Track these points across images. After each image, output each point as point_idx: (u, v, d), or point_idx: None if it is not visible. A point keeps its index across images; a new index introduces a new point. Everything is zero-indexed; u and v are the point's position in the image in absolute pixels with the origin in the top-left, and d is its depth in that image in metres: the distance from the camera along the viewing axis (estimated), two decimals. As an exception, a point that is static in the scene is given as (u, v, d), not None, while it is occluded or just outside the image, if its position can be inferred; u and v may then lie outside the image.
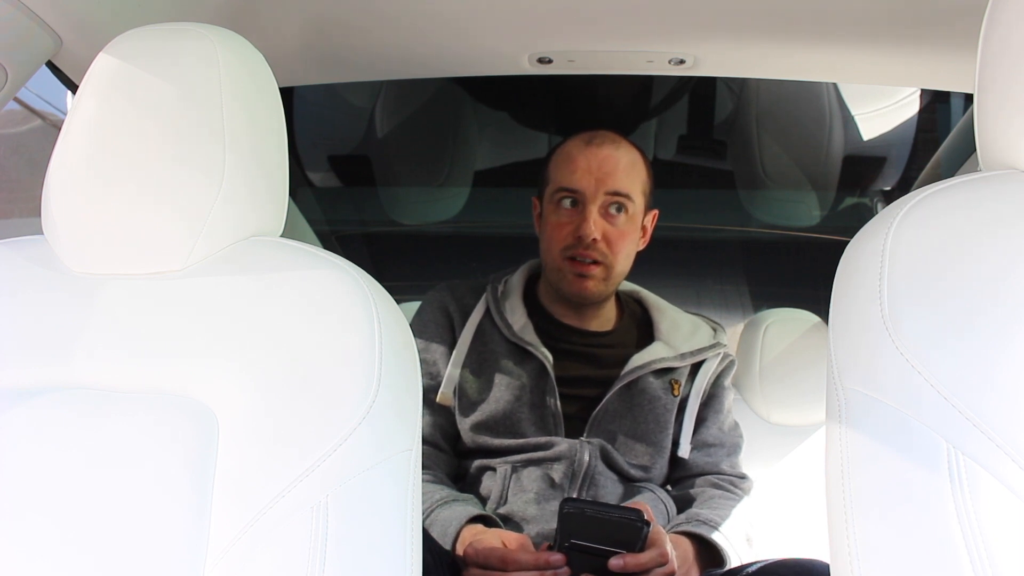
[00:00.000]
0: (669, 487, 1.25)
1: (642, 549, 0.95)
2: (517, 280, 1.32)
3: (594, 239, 1.17)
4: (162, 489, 0.60)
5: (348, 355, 0.62)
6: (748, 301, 2.69)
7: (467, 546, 1.02)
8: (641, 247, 1.27)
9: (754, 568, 0.99)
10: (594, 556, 0.95)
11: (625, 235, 1.21)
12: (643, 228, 1.26)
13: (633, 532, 0.93)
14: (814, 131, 2.23)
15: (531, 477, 1.15)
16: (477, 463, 1.19)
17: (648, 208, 1.26)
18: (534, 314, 1.27)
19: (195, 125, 0.68)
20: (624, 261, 1.23)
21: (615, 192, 1.18)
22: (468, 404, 1.21)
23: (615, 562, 0.93)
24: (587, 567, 0.96)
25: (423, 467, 1.14)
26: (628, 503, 1.13)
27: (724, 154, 2.38)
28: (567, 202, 1.20)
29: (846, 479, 0.56)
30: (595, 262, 1.20)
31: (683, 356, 1.26)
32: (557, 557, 0.95)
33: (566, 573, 0.96)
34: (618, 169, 1.19)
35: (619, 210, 1.20)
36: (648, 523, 0.93)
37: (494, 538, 1.02)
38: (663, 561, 0.96)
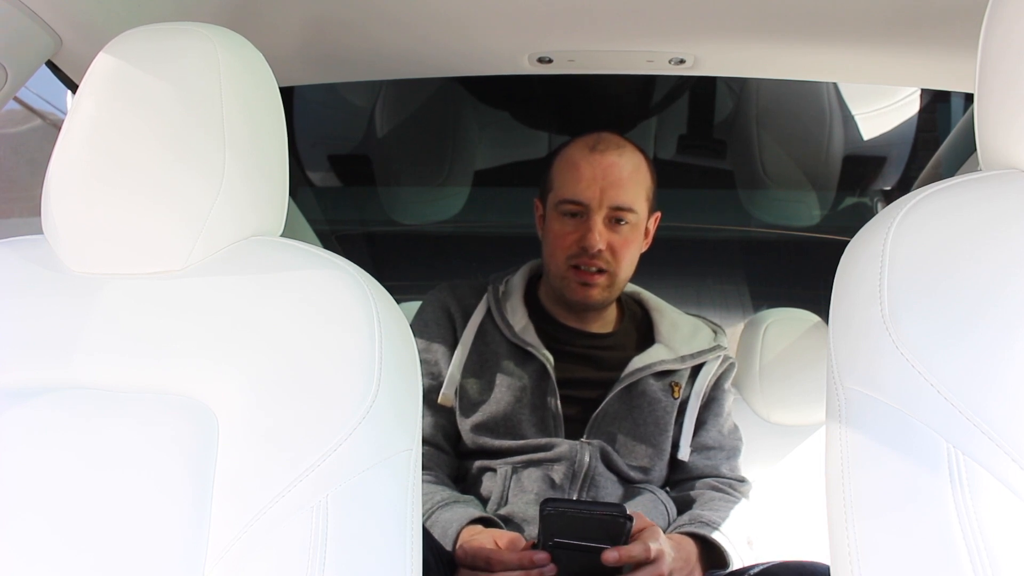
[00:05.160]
0: (668, 488, 1.25)
1: (626, 543, 0.95)
2: (518, 281, 1.32)
3: (599, 250, 1.17)
4: (161, 489, 0.60)
5: (348, 355, 0.62)
6: (748, 301, 2.69)
7: (458, 547, 1.02)
8: (644, 248, 1.27)
9: (756, 570, 0.98)
10: (579, 553, 0.95)
11: (629, 243, 1.21)
12: (646, 231, 1.26)
13: (616, 527, 0.93)
14: (814, 131, 2.24)
15: (531, 478, 1.15)
16: (478, 464, 1.19)
17: (651, 211, 1.26)
18: (535, 315, 1.27)
19: (195, 125, 0.68)
20: (628, 267, 1.23)
21: (619, 207, 1.18)
22: (469, 405, 1.21)
23: (609, 555, 0.93)
24: (573, 564, 0.96)
25: (424, 468, 1.14)
26: (627, 505, 1.13)
27: (724, 154, 2.38)
28: (571, 212, 1.20)
29: (846, 479, 0.55)
30: (600, 271, 1.20)
31: (683, 359, 1.25)
32: (541, 555, 0.95)
33: (552, 571, 0.96)
34: (622, 179, 1.18)
35: (623, 221, 1.19)
36: (631, 518, 0.93)
37: (487, 539, 1.02)
38: (646, 555, 0.96)
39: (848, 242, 0.63)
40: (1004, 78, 0.60)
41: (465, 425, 1.20)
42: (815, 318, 1.73)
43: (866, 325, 0.57)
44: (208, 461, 0.60)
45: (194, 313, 0.65)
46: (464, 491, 1.18)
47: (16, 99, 1.09)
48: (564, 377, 1.21)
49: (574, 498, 1.14)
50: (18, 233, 0.76)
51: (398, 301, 0.72)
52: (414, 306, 1.36)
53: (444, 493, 1.12)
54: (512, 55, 1.24)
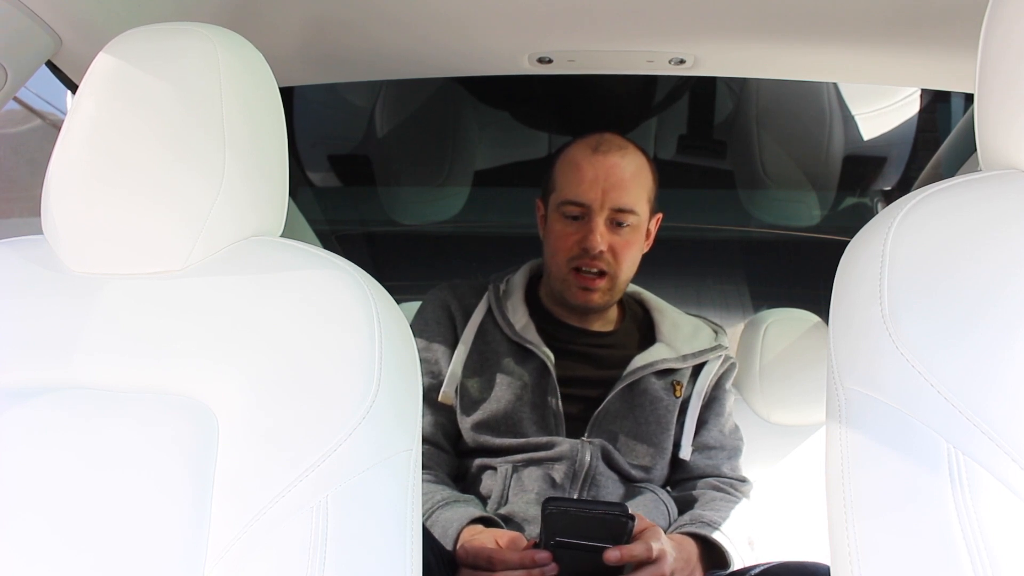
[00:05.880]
0: (669, 488, 1.25)
1: (628, 543, 0.95)
2: (519, 280, 1.32)
3: (600, 251, 1.17)
4: (161, 489, 0.60)
5: (348, 355, 0.62)
6: (748, 301, 2.69)
7: (460, 547, 1.02)
8: (645, 250, 1.27)
9: (757, 571, 0.98)
10: (580, 552, 0.94)
11: (631, 245, 1.21)
12: (647, 232, 1.26)
13: (618, 527, 0.93)
14: (814, 131, 2.24)
15: (532, 477, 1.15)
16: (478, 462, 1.19)
17: (653, 213, 1.26)
18: (536, 314, 1.27)
19: (195, 125, 0.68)
20: (629, 270, 1.23)
21: (621, 208, 1.18)
22: (470, 403, 1.21)
23: (611, 555, 0.93)
24: (574, 564, 0.95)
25: (424, 467, 1.14)
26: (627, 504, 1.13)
27: (724, 154, 2.38)
28: (573, 215, 1.20)
29: (846, 479, 0.55)
30: (601, 273, 1.19)
31: (685, 357, 1.26)
32: (543, 555, 0.95)
33: (554, 570, 0.95)
34: (624, 180, 1.18)
35: (625, 223, 1.19)
36: (632, 517, 0.93)
37: (488, 538, 1.02)
38: (648, 555, 0.95)
39: (848, 242, 0.63)
40: (1004, 78, 0.60)
41: (466, 423, 1.20)
42: (815, 318, 1.73)
43: (866, 325, 0.57)
44: (208, 461, 0.60)
45: (194, 313, 0.65)
46: (464, 490, 1.18)
47: (16, 99, 1.09)
48: (565, 375, 1.21)
49: (575, 497, 1.14)
50: (18, 233, 0.76)
51: (398, 301, 0.72)
52: (414, 306, 1.36)
53: (444, 492, 1.12)
54: (512, 55, 1.24)
